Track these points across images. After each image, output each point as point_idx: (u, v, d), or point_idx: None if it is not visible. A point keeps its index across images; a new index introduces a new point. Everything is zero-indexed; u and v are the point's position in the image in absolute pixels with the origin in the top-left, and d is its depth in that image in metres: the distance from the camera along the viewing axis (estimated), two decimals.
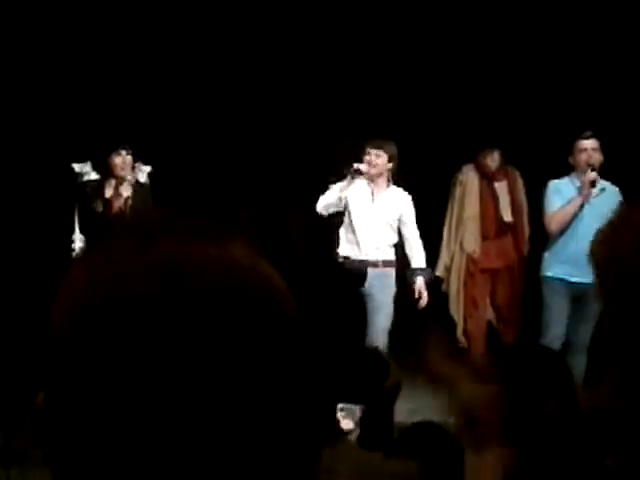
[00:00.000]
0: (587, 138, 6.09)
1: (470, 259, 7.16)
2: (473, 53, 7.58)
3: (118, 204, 6.47)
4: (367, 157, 6.13)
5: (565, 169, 6.31)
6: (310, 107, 7.75)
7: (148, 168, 7.36)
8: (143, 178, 7.30)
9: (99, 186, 6.50)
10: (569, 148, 6.23)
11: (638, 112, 7.31)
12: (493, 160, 7.07)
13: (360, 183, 6.16)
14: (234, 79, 7.78)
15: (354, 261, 6.01)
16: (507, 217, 7.04)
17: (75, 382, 0.69)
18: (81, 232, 6.46)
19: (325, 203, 6.18)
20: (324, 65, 7.71)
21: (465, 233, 7.17)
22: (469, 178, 7.17)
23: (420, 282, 6.26)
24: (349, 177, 6.09)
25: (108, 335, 0.69)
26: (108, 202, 6.48)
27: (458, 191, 7.21)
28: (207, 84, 7.75)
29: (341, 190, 6.12)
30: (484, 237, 7.15)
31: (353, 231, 6.16)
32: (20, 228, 7.15)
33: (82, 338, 0.69)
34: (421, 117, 7.68)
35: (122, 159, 6.45)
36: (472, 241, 7.14)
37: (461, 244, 7.19)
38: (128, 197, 6.51)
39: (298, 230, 7.67)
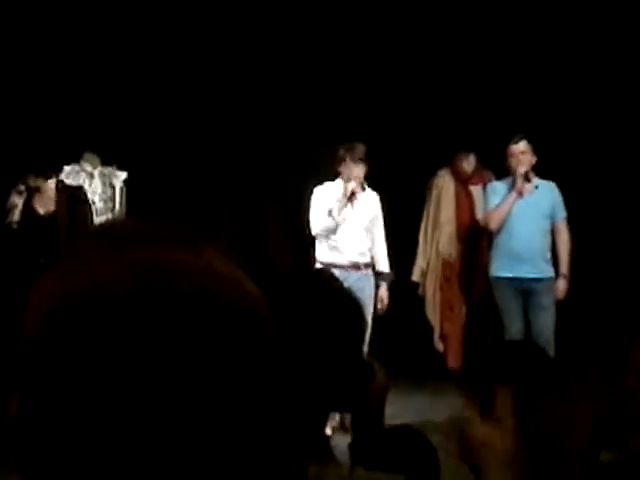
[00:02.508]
0: (516, 142, 6.24)
1: (446, 263, 7.19)
2: (449, 58, 7.62)
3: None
4: (349, 171, 6.00)
5: (538, 171, 6.37)
6: (290, 108, 7.75)
7: (124, 174, 7.35)
8: (119, 184, 7.31)
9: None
10: (543, 151, 6.31)
11: (615, 114, 7.39)
12: (469, 164, 7.12)
13: (338, 189, 6.11)
14: (215, 78, 7.77)
15: (336, 266, 5.98)
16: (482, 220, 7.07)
17: (50, 387, 0.69)
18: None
19: (325, 231, 6.05)
20: (305, 65, 7.71)
21: (441, 237, 7.20)
22: (445, 182, 7.20)
23: (384, 289, 6.25)
24: (343, 199, 6.02)
25: (82, 340, 0.68)
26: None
27: (434, 195, 7.24)
28: (187, 85, 7.72)
29: (339, 212, 6.04)
30: (460, 240, 7.18)
31: (334, 237, 6.10)
32: None
33: (57, 343, 0.69)
34: (397, 121, 7.70)
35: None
36: (448, 245, 7.18)
37: (437, 248, 7.21)
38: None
39: (280, 229, 7.66)
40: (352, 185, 6.01)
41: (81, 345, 0.68)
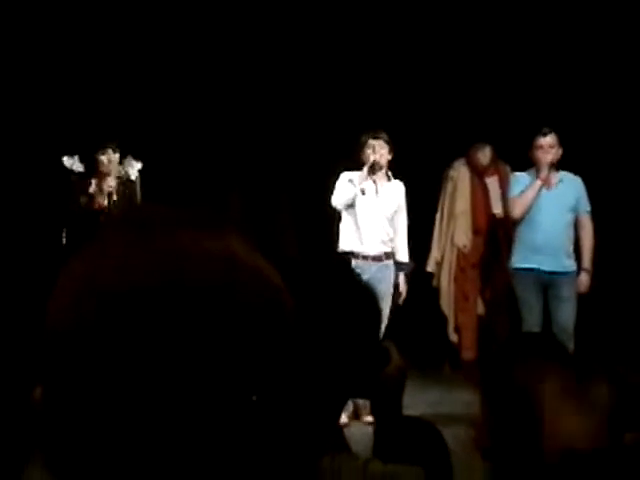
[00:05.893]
0: (544, 135, 6.20)
1: (461, 254, 7.19)
2: (465, 49, 7.60)
3: (100, 200, 6.62)
4: (372, 150, 6.07)
5: (560, 165, 6.35)
6: (302, 96, 7.75)
7: (139, 164, 7.37)
8: (134, 173, 7.34)
9: (85, 181, 6.67)
10: (563, 145, 6.28)
11: (629, 109, 7.35)
12: (484, 155, 7.10)
13: (363, 177, 6.14)
14: (224, 68, 7.77)
15: (358, 256, 6.01)
16: (498, 212, 7.06)
17: (75, 376, 0.69)
18: (65, 225, 6.60)
19: (345, 200, 6.07)
20: (318, 56, 7.70)
21: (456, 228, 7.19)
22: (460, 173, 7.19)
23: (402, 279, 6.27)
24: (365, 171, 6.05)
25: (108, 329, 0.69)
26: (92, 197, 6.63)
27: (449, 186, 7.23)
28: (197, 73, 7.73)
29: (359, 184, 6.07)
30: (475, 232, 7.18)
31: (357, 225, 6.11)
32: (11, 222, 7.15)
33: (82, 332, 0.69)
34: (413, 113, 7.68)
35: (108, 157, 6.61)
36: (463, 236, 7.17)
37: (452, 239, 7.21)
38: (111, 192, 6.63)
39: (289, 218, 7.67)
40: (375, 156, 6.04)
41: (105, 334, 0.68)
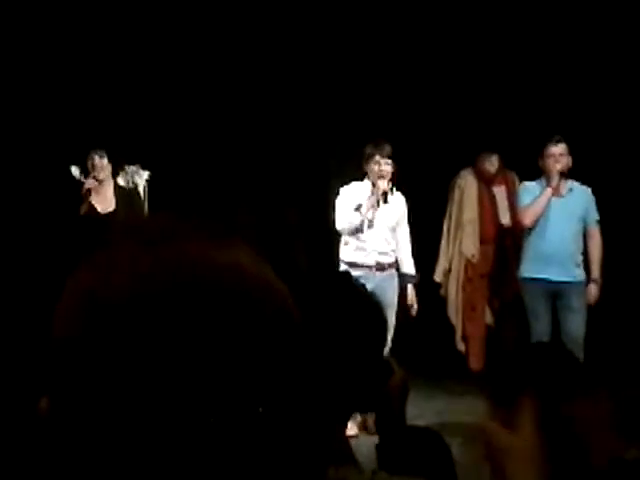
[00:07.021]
0: (555, 143, 6.18)
1: (469, 263, 7.18)
2: (472, 58, 7.60)
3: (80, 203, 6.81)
4: (378, 167, 6.03)
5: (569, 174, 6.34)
6: (310, 109, 7.76)
7: (146, 173, 7.41)
8: (141, 183, 7.39)
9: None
10: (572, 154, 6.27)
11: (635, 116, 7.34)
12: (492, 164, 7.09)
13: (366, 189, 6.10)
14: (233, 81, 7.79)
15: (361, 265, 5.99)
16: (505, 221, 7.05)
17: (82, 386, 0.69)
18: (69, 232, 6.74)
19: (352, 228, 6.00)
20: (324, 67, 7.72)
21: (464, 237, 7.18)
22: (468, 182, 7.18)
23: (411, 291, 6.26)
24: (374, 197, 5.99)
25: (116, 339, 0.69)
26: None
27: (457, 195, 7.22)
28: (206, 85, 7.75)
29: (367, 211, 6.01)
30: (483, 241, 7.17)
31: (360, 235, 6.08)
32: (20, 230, 7.18)
33: (90, 342, 0.69)
34: (420, 122, 7.69)
35: (91, 162, 6.76)
36: (471, 245, 7.16)
37: (460, 248, 7.20)
38: (87, 193, 6.80)
39: (298, 232, 7.67)
40: (384, 185, 5.99)
41: (113, 344, 0.68)
